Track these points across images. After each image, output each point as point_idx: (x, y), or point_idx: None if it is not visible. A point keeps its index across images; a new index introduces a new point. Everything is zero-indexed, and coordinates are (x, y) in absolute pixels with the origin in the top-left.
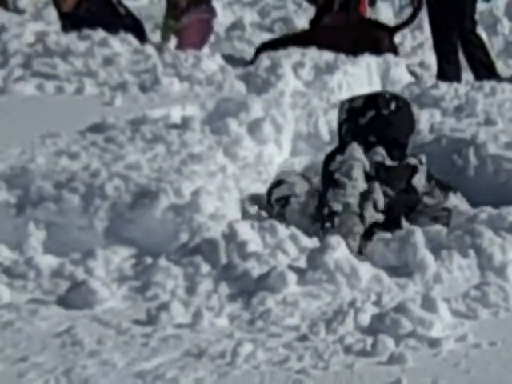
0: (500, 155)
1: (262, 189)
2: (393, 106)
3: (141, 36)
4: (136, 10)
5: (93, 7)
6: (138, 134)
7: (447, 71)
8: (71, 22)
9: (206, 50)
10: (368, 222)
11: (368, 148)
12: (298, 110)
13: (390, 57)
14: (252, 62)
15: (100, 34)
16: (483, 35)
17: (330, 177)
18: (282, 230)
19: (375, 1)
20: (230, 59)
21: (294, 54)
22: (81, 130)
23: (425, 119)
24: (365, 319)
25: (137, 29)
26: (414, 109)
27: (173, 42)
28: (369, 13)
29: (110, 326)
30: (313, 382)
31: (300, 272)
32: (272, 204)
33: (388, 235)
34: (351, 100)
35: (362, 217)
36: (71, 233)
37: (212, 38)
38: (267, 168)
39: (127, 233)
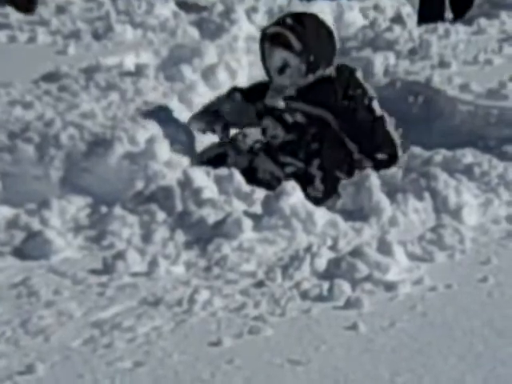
0: (454, 97)
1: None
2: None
3: None
4: None
5: None
6: (91, 83)
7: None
8: None
9: None
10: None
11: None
12: (251, 55)
13: (343, 0)
14: None
15: None
16: None
17: None
18: (237, 177)
19: None
20: (183, 5)
21: None
22: (34, 80)
23: (379, 62)
24: (321, 264)
25: None
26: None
27: None
28: None
29: (66, 275)
30: (270, 328)
31: (256, 218)
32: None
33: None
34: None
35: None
36: (26, 183)
37: None
38: None
39: (83, 182)
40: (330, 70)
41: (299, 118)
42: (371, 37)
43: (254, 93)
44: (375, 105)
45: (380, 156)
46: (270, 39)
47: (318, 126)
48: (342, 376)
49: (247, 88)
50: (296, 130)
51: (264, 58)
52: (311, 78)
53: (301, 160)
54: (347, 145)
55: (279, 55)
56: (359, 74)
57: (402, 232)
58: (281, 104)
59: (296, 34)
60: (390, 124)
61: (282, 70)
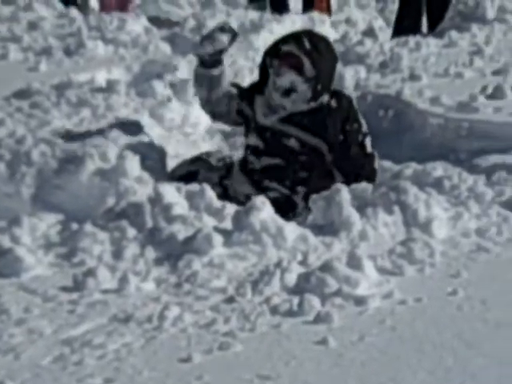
0: (425, 110)
1: (188, 151)
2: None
3: None
4: None
5: None
6: (63, 99)
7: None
8: None
9: (130, 11)
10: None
11: None
12: None
13: (315, 14)
14: None
15: None
16: None
17: None
18: (208, 193)
19: None
20: (155, 20)
21: (219, 14)
22: (5, 96)
23: (350, 76)
24: (291, 279)
25: None
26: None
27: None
28: None
29: (37, 293)
30: (239, 343)
31: (226, 233)
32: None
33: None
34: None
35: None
36: None
37: (137, 0)
38: (194, 129)
39: (54, 199)
40: (329, 98)
41: (293, 143)
42: (342, 50)
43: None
44: (368, 142)
45: None
46: (282, 57)
47: (310, 154)
48: None
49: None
50: (286, 155)
51: (266, 71)
52: (313, 104)
53: (286, 187)
54: (335, 176)
55: (289, 77)
56: (355, 104)
57: (372, 246)
58: (277, 127)
59: (311, 59)
60: (377, 161)
61: (287, 92)
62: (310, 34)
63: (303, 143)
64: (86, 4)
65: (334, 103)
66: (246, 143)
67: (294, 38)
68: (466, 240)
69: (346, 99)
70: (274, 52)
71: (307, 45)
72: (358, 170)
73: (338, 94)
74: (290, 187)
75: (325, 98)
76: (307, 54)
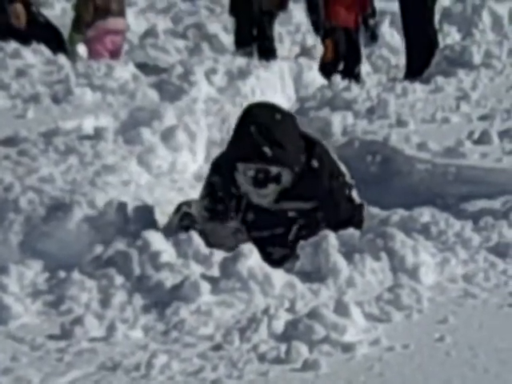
0: (412, 156)
1: (176, 197)
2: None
3: (60, 46)
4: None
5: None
6: (50, 147)
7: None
8: None
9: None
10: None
11: None
12: (211, 117)
13: (302, 60)
14: None
15: (12, 45)
16: (396, 36)
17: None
18: (196, 240)
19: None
20: (143, 67)
21: (207, 60)
22: None
23: (337, 122)
24: (278, 326)
25: (56, 39)
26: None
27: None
28: None
29: (24, 341)
30: None
31: (213, 281)
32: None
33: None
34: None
35: None
36: None
37: (126, 47)
38: (181, 176)
39: (42, 246)
40: (304, 156)
41: (291, 214)
42: (329, 96)
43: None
44: (354, 193)
45: None
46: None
47: (308, 216)
48: None
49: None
50: (286, 224)
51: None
52: (296, 178)
53: (287, 247)
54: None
55: (270, 188)
56: (333, 153)
57: (360, 292)
58: (273, 207)
59: (279, 163)
60: (366, 209)
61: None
62: (265, 132)
63: (301, 211)
64: (74, 51)
65: (314, 163)
66: (238, 219)
67: (252, 148)
68: (453, 286)
69: (325, 155)
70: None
71: (268, 153)
72: (348, 223)
73: (310, 145)
74: (291, 246)
75: (302, 158)
76: (272, 161)
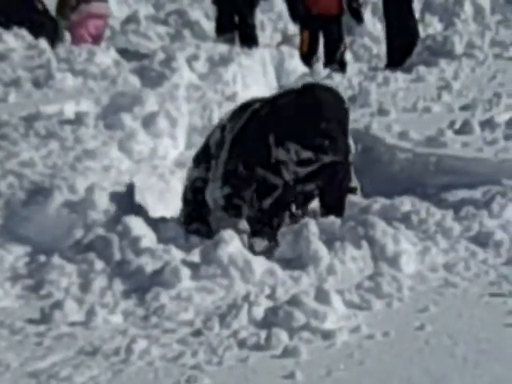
0: (393, 145)
1: (157, 183)
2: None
3: (56, 33)
4: None
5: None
6: (31, 131)
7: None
8: None
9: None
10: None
11: None
12: (192, 104)
13: (284, 48)
14: None
15: None
16: (378, 25)
17: None
18: (176, 226)
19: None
20: (125, 53)
21: (189, 47)
22: None
23: None
24: (259, 313)
25: (53, 26)
26: None
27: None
28: None
29: (4, 325)
30: (207, 377)
31: (194, 267)
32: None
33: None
34: None
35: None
36: None
37: (107, 32)
38: (162, 162)
39: (22, 230)
40: None
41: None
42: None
43: None
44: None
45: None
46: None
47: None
48: None
49: None
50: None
51: None
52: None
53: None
54: None
55: None
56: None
57: (340, 280)
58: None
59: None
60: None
61: None
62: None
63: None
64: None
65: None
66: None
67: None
68: (433, 275)
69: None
70: None
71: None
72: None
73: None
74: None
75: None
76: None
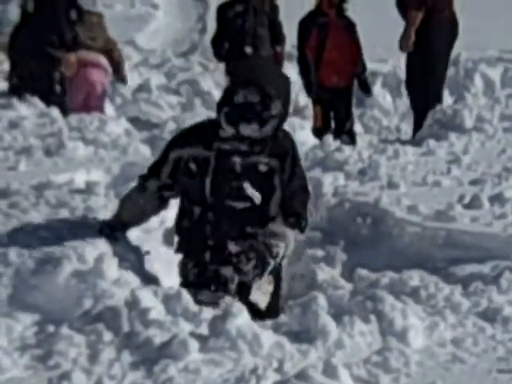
0: (403, 218)
1: (166, 253)
2: None
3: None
4: None
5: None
6: (42, 200)
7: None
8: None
9: (111, 112)
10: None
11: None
12: None
13: (295, 120)
14: None
15: (5, 97)
16: (388, 97)
17: None
18: (185, 297)
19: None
20: (136, 122)
21: (199, 117)
22: None
23: (328, 183)
24: None
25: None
26: None
27: None
28: None
29: None
30: None
31: (202, 339)
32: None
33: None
34: None
35: None
36: None
37: (119, 101)
38: (171, 231)
39: (31, 299)
40: None
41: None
42: (321, 157)
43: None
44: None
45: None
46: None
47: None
48: None
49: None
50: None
51: None
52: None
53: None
54: None
55: None
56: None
57: (348, 354)
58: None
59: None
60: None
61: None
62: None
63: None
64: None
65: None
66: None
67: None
68: (441, 350)
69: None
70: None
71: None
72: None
73: None
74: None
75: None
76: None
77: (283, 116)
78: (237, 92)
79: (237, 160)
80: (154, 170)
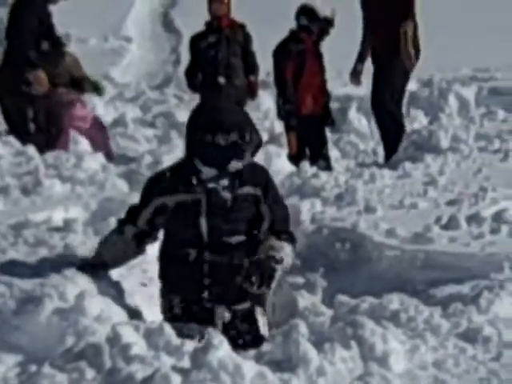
0: (381, 242)
1: (145, 291)
2: None
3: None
4: None
5: None
6: (20, 239)
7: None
8: None
9: (87, 148)
10: None
11: None
12: None
13: (271, 147)
14: None
15: None
16: (363, 121)
17: None
18: (167, 331)
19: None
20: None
21: (176, 149)
22: None
23: (306, 209)
24: None
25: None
26: None
27: None
28: None
29: None
30: None
31: (184, 372)
32: None
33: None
34: None
35: None
36: None
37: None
38: (152, 266)
39: (13, 339)
40: None
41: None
42: (298, 184)
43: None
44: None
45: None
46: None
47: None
48: None
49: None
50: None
51: None
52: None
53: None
54: None
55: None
56: None
57: (330, 382)
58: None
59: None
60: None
61: None
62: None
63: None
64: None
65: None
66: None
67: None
68: (423, 373)
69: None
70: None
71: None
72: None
73: None
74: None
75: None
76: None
77: (258, 141)
78: (205, 134)
79: (227, 195)
80: (132, 215)
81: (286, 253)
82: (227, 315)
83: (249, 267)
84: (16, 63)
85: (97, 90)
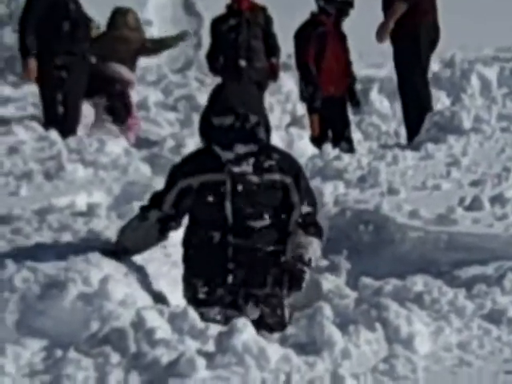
0: (404, 224)
1: (170, 271)
2: None
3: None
4: None
5: None
6: (44, 224)
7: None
8: None
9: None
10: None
11: None
12: None
13: (293, 130)
14: None
15: (4, 122)
16: (385, 102)
17: None
18: (191, 315)
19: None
20: (134, 141)
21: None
22: None
23: (329, 192)
24: None
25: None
26: None
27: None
28: None
29: None
30: None
31: (209, 356)
32: None
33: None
34: None
35: None
36: None
37: None
38: (175, 249)
39: (38, 324)
40: None
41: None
42: (320, 166)
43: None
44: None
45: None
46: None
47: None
48: None
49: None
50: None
51: None
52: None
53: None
54: None
55: None
56: None
57: (355, 364)
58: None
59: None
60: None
61: None
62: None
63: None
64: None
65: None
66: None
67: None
68: (448, 354)
69: None
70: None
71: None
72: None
73: None
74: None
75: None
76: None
77: (266, 124)
78: (214, 117)
79: (253, 179)
80: (156, 200)
81: (314, 248)
82: (257, 312)
83: (278, 271)
84: (43, 49)
85: (182, 37)
